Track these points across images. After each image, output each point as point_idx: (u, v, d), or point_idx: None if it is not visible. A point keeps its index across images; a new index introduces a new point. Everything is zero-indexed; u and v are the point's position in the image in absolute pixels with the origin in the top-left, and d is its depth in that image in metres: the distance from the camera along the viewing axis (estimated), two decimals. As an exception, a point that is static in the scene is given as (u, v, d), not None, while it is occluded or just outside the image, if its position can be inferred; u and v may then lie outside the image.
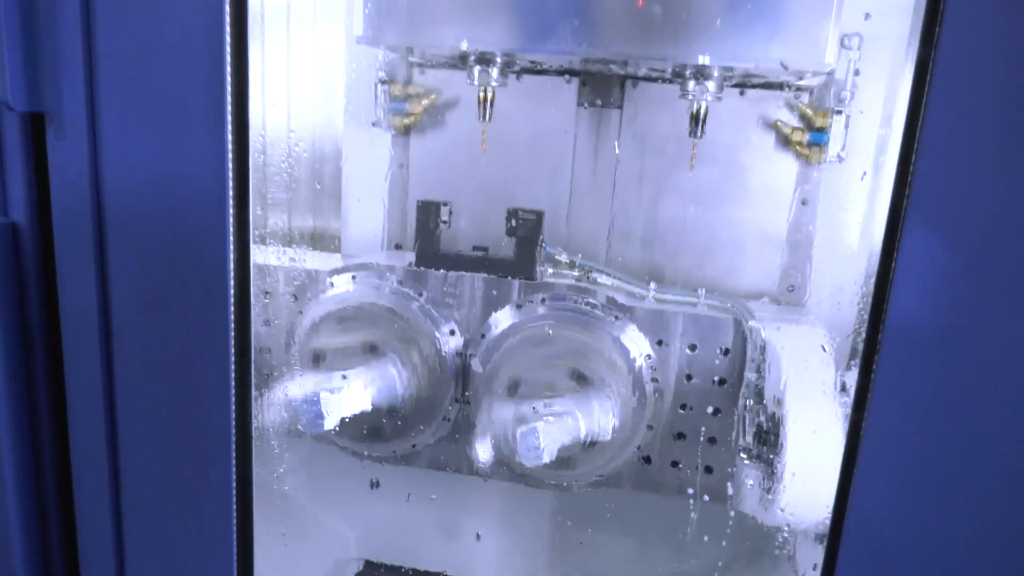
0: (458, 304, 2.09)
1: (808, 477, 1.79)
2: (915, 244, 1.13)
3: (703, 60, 1.72)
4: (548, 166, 2.22)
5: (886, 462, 1.19)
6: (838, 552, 1.25)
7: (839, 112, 1.98)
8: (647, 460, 2.08)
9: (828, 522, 1.29)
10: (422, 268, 2.08)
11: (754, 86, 2.08)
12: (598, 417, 1.89)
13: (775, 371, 1.89)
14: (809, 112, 2.03)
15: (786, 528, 1.89)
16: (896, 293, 1.14)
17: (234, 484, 1.35)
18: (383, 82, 2.16)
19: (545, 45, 1.76)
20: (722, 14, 1.68)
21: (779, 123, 2.07)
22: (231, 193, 1.22)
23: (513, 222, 2.02)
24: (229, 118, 1.20)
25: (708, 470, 2.06)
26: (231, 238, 1.23)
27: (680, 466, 2.07)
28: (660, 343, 2.01)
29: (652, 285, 2.07)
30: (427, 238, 2.06)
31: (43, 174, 1.32)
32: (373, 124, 2.18)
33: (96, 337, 1.30)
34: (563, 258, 2.11)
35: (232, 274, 1.27)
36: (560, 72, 2.15)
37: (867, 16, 1.94)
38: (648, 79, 2.12)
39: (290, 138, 2.33)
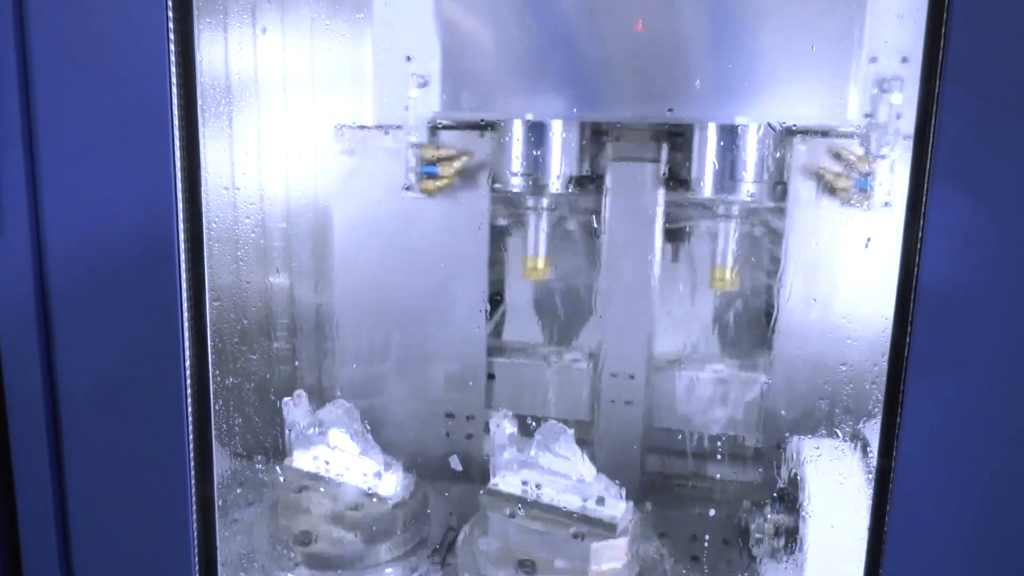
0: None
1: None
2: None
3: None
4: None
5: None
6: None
7: (883, 157, 1.89)
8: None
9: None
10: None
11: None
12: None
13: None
14: (853, 157, 1.94)
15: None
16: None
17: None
18: (415, 145, 2.11)
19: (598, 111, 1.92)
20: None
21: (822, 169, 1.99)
22: (185, 283, 1.20)
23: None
24: (180, 196, 1.19)
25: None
26: (185, 325, 1.20)
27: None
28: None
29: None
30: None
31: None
32: (405, 188, 2.14)
33: (45, 434, 1.29)
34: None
35: (187, 358, 1.24)
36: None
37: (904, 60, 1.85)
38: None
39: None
